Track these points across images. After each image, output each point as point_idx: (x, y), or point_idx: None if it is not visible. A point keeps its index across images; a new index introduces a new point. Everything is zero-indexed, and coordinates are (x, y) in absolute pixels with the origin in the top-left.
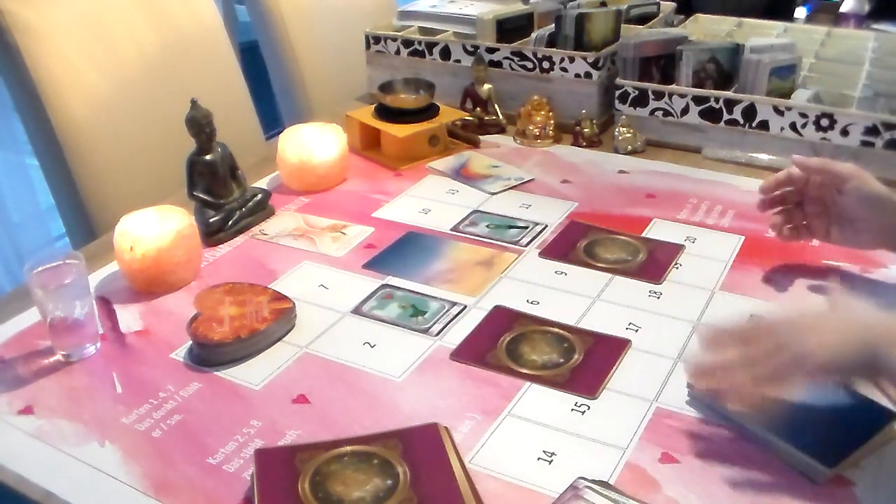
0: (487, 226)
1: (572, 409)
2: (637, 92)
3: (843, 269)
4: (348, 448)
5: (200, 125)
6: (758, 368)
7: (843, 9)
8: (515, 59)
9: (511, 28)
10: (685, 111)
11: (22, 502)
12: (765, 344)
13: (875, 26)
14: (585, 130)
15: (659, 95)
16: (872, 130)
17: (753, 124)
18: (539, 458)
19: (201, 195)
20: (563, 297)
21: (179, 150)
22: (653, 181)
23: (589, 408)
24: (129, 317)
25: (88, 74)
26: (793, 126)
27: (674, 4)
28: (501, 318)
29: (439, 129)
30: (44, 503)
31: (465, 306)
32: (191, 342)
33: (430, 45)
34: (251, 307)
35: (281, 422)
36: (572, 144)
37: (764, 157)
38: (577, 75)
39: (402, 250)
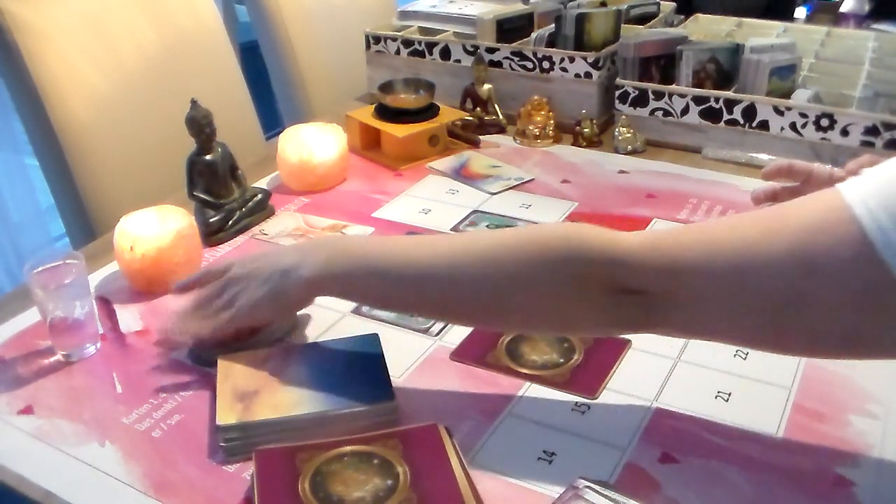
0: (487, 226)
1: (572, 409)
2: (637, 92)
3: None
4: (348, 448)
5: (200, 125)
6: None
7: (843, 9)
8: (515, 59)
9: (511, 28)
10: (685, 111)
11: (22, 502)
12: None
13: (875, 26)
14: (585, 130)
15: (659, 95)
16: (872, 130)
17: (753, 124)
18: (539, 458)
19: (201, 195)
20: None
21: (179, 150)
22: (653, 181)
23: (589, 408)
24: (129, 317)
25: (88, 74)
26: (793, 126)
27: (674, 4)
28: None
29: (439, 129)
30: (44, 503)
31: None
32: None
33: (430, 45)
34: None
35: None
36: (572, 144)
37: (764, 157)
38: (577, 75)
39: None
